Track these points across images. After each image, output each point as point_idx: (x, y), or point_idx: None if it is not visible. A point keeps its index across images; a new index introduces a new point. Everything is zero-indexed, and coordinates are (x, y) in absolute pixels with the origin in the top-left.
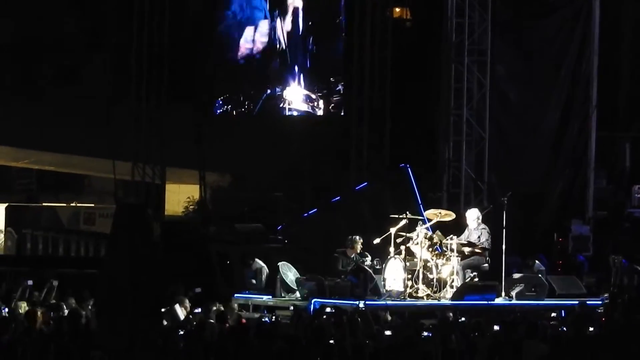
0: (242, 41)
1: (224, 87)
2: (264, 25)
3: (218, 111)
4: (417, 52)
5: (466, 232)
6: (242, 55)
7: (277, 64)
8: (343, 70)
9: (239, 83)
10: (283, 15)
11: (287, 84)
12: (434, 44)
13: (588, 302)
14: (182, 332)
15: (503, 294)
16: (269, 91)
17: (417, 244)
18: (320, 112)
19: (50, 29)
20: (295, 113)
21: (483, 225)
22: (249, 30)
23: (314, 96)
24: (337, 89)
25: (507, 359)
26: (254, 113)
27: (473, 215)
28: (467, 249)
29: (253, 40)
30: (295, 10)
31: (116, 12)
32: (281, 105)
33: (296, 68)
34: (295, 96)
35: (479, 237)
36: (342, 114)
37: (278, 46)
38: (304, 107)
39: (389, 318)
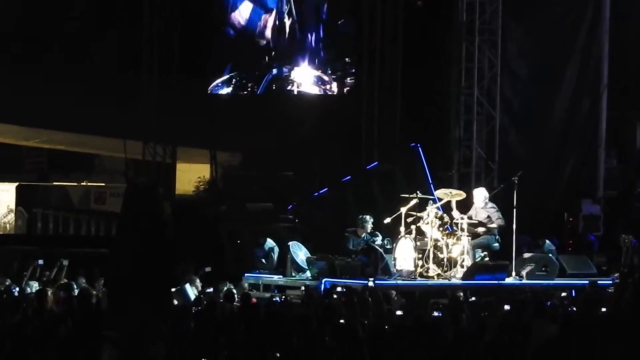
0: (245, 13)
1: (226, 64)
2: None
3: (216, 91)
4: (428, 31)
5: (472, 210)
6: (242, 26)
7: (285, 40)
8: (356, 49)
9: (241, 60)
10: None
11: (296, 64)
12: (445, 23)
13: (599, 282)
14: (192, 312)
15: (514, 273)
16: (274, 71)
17: (428, 223)
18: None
19: (59, 5)
20: (304, 98)
21: (491, 204)
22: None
23: (326, 78)
24: (353, 70)
25: (517, 338)
26: (258, 94)
27: (480, 195)
28: (481, 229)
29: (259, 13)
30: None
31: None
32: (288, 87)
33: (307, 44)
34: (305, 78)
35: (488, 216)
36: (354, 91)
37: (286, 21)
38: (315, 90)
39: (395, 297)
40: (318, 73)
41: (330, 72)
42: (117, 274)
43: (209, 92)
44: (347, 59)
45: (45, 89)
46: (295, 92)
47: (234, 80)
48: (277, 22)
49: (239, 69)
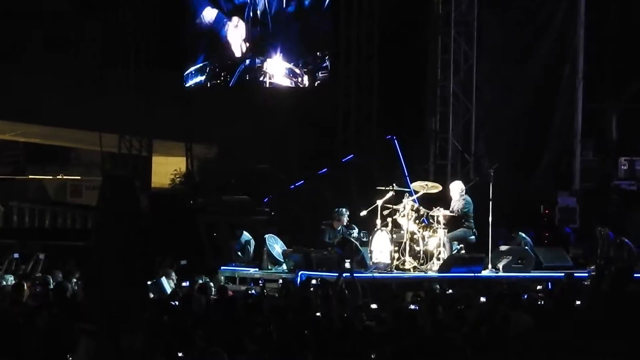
0: (209, 17)
1: (199, 54)
2: None
3: (189, 81)
4: (404, 23)
5: (452, 204)
6: (213, 20)
7: (256, 31)
8: (330, 42)
9: (213, 51)
10: None
11: (268, 55)
12: (421, 15)
13: (575, 274)
14: (168, 305)
15: (490, 266)
16: (247, 62)
17: (404, 216)
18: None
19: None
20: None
21: (464, 196)
22: None
23: (298, 71)
24: (324, 64)
25: (494, 329)
26: (230, 86)
27: (457, 188)
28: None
29: (222, 18)
30: None
31: None
32: (261, 78)
33: (279, 38)
34: (277, 69)
35: (454, 206)
36: (330, 84)
37: (259, 11)
38: (287, 82)
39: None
40: (290, 66)
41: (301, 65)
42: (94, 267)
43: (183, 81)
44: (318, 52)
45: (21, 83)
46: (267, 84)
47: (207, 69)
48: (251, 14)
49: (212, 58)
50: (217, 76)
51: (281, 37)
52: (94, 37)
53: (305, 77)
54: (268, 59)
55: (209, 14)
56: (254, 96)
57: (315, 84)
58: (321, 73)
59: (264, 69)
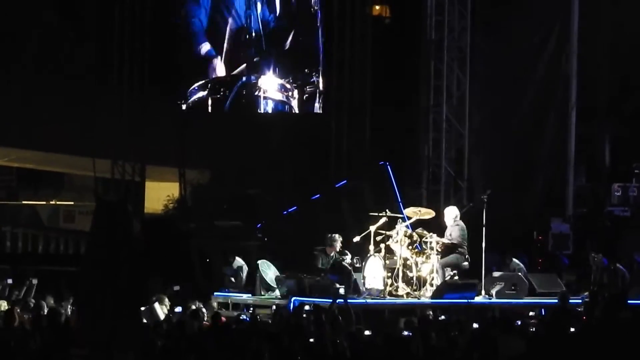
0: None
1: (200, 74)
2: (241, 11)
3: (193, 97)
4: (397, 49)
5: (447, 230)
6: (217, 42)
7: (252, 51)
8: (319, 62)
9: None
10: (260, 2)
11: (262, 73)
12: (413, 41)
13: (569, 301)
14: (161, 331)
15: (483, 292)
16: (244, 78)
17: (397, 242)
18: (294, 102)
19: (30, 20)
20: (270, 102)
21: (458, 222)
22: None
23: (288, 86)
24: (312, 80)
25: (486, 354)
26: (229, 100)
27: (451, 214)
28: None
29: (229, 27)
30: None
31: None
32: (256, 93)
33: (272, 57)
34: (270, 85)
35: (451, 233)
36: (321, 111)
37: (254, 34)
38: (279, 97)
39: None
40: (281, 81)
41: (291, 80)
42: (87, 292)
43: (188, 96)
44: (306, 69)
45: (13, 108)
46: (262, 99)
47: (209, 85)
48: (246, 36)
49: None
50: (217, 91)
51: (274, 56)
52: (87, 60)
53: (295, 92)
54: (262, 76)
55: (204, 48)
56: (249, 122)
57: (304, 97)
58: (309, 87)
59: (259, 84)
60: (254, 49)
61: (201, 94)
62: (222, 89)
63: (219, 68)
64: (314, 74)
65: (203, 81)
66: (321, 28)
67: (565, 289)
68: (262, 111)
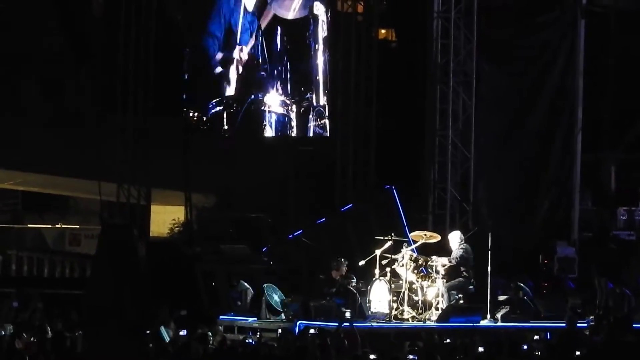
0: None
1: (215, 92)
2: (251, 44)
3: (211, 111)
4: (402, 73)
5: (453, 254)
6: (234, 66)
7: (259, 74)
8: (312, 82)
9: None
10: (266, 36)
11: (267, 91)
12: (419, 65)
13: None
14: (167, 354)
15: (488, 316)
16: (252, 96)
17: (403, 265)
18: (293, 115)
19: (33, 45)
20: (273, 115)
21: (463, 245)
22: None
23: (288, 102)
24: (306, 97)
25: None
26: (240, 114)
27: (455, 238)
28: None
29: (239, 55)
30: (275, 32)
31: (100, 26)
32: (262, 108)
33: (275, 79)
34: (274, 101)
35: (455, 256)
36: (328, 134)
37: (261, 60)
38: (280, 110)
39: None
40: (282, 98)
41: (290, 97)
42: (92, 315)
43: (209, 113)
44: (302, 88)
45: (19, 131)
46: (267, 113)
47: (224, 100)
48: (254, 62)
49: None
50: (230, 106)
51: (276, 78)
52: (92, 83)
53: (294, 106)
54: (267, 94)
55: (218, 69)
56: (254, 145)
57: (300, 110)
58: (304, 102)
59: (264, 101)
60: (260, 72)
61: (218, 108)
62: (234, 105)
63: (230, 89)
64: (308, 92)
65: (219, 98)
66: (315, 55)
67: (571, 313)
68: (267, 122)
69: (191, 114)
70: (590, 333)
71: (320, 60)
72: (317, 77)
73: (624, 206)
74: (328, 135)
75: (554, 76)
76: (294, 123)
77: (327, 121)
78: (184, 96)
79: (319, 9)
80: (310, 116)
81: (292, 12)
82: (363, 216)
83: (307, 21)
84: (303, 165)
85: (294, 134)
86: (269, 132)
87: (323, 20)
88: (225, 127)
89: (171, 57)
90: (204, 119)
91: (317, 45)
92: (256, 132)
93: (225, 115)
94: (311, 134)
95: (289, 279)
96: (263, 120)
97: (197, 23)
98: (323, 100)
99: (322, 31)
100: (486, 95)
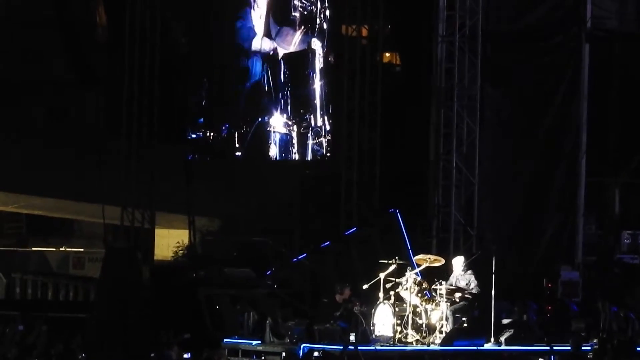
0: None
1: (226, 116)
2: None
3: (224, 133)
4: (406, 96)
5: (452, 278)
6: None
7: (265, 100)
8: (311, 105)
9: (239, 113)
10: (270, 66)
11: (272, 114)
12: (423, 88)
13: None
14: None
15: (492, 339)
16: (259, 119)
17: (407, 289)
18: (294, 134)
19: (39, 70)
20: (277, 134)
21: (470, 272)
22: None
23: (290, 122)
24: (305, 117)
25: None
26: (250, 134)
27: (459, 262)
28: (457, 294)
29: (249, 82)
30: (279, 63)
31: (106, 51)
32: (267, 129)
33: (278, 103)
34: (278, 122)
35: (467, 283)
36: (332, 157)
37: (267, 88)
38: (283, 130)
39: None
40: (285, 119)
41: (292, 118)
42: (96, 339)
43: (222, 134)
44: (302, 110)
45: (23, 155)
46: (272, 133)
47: (232, 127)
48: (262, 88)
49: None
50: (241, 127)
51: (280, 102)
52: (96, 109)
53: (295, 127)
54: (272, 116)
55: None
56: (258, 169)
57: (301, 130)
58: (304, 123)
59: (270, 122)
60: (266, 98)
61: (230, 130)
62: (244, 126)
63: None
64: (307, 113)
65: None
66: (313, 82)
67: (576, 336)
68: (271, 141)
69: (208, 134)
70: (594, 356)
71: (318, 86)
72: (315, 101)
73: (628, 230)
74: (324, 152)
75: (558, 100)
76: (294, 141)
77: (323, 140)
78: (201, 119)
79: (316, 44)
80: (309, 134)
81: (292, 46)
82: (367, 240)
83: (306, 54)
84: (307, 189)
85: (294, 150)
86: (274, 149)
87: (319, 54)
88: (237, 145)
89: (175, 82)
90: (219, 138)
91: (314, 75)
92: (262, 149)
93: (236, 135)
94: (310, 151)
95: (293, 303)
96: (268, 139)
97: (201, 46)
98: (320, 121)
99: (318, 63)
100: (490, 119)
